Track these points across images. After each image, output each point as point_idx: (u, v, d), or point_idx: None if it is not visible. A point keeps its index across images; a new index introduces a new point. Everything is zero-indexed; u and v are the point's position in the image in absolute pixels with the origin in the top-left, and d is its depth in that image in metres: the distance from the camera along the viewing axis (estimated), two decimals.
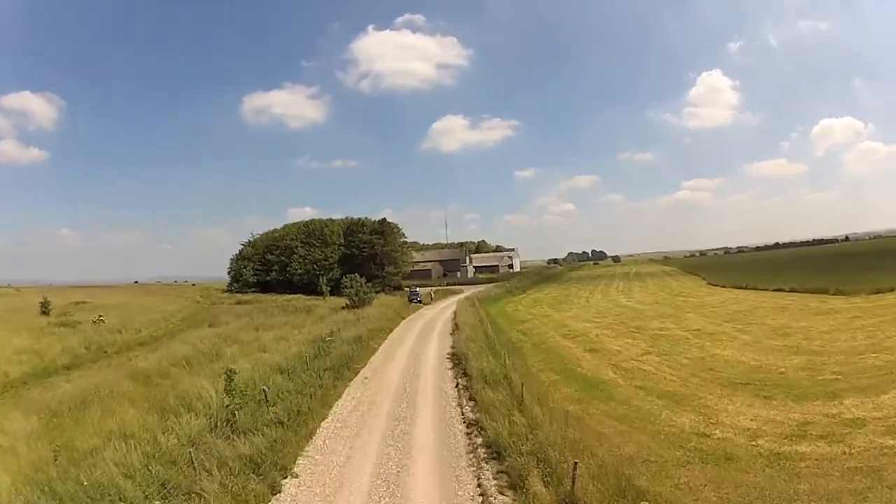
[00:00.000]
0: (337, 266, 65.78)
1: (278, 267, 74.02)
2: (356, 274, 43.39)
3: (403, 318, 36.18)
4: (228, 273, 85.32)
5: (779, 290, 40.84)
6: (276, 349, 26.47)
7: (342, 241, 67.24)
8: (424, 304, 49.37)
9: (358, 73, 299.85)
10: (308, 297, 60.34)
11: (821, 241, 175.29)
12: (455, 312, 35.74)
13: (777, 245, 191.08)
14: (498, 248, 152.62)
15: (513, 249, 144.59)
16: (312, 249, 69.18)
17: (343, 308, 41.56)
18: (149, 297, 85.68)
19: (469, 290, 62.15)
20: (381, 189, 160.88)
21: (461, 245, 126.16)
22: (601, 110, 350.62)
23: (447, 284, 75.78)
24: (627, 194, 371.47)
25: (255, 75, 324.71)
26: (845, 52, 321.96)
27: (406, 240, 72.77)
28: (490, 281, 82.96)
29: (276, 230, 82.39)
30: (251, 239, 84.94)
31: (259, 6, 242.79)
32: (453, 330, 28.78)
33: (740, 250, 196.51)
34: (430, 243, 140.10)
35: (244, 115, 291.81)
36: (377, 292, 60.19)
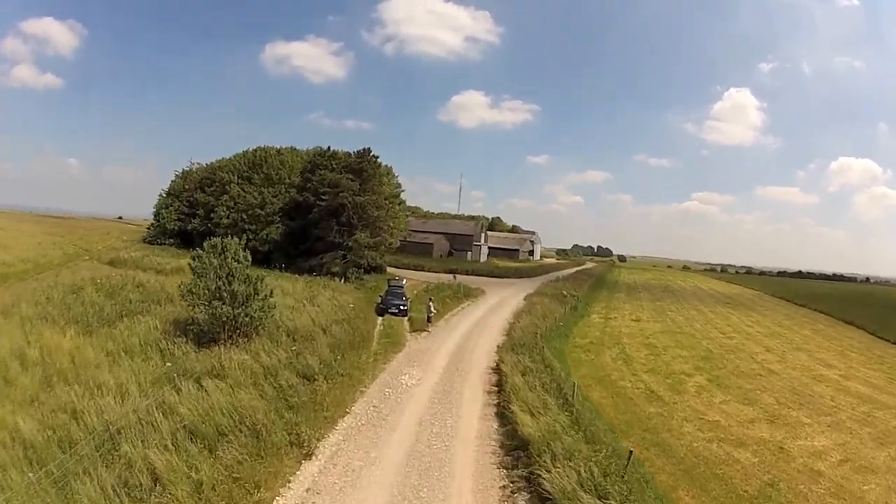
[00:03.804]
0: (279, 219, 39.94)
1: (203, 212, 48.22)
2: (233, 237, 17.11)
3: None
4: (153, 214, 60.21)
5: None
6: None
7: (299, 181, 41.26)
8: (414, 327, 22.87)
9: (384, 35, 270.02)
10: None
11: (842, 278, 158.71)
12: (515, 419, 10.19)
13: (800, 273, 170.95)
14: (515, 229, 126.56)
15: (534, 233, 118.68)
16: (250, 189, 43.08)
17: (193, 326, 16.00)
18: (44, 237, 61.84)
19: (493, 293, 36.38)
20: (391, 154, 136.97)
21: (473, 218, 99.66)
22: (623, 108, 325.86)
23: (454, 271, 49.96)
24: (637, 196, 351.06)
25: (280, 23, 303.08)
26: (876, 94, 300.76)
27: (402, 191, 46.38)
28: (514, 274, 57.23)
29: (222, 159, 56.06)
30: (188, 168, 59.20)
31: None
32: None
33: (762, 272, 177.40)
34: (436, 212, 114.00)
35: (263, 62, 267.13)
36: (333, 275, 34.62)
